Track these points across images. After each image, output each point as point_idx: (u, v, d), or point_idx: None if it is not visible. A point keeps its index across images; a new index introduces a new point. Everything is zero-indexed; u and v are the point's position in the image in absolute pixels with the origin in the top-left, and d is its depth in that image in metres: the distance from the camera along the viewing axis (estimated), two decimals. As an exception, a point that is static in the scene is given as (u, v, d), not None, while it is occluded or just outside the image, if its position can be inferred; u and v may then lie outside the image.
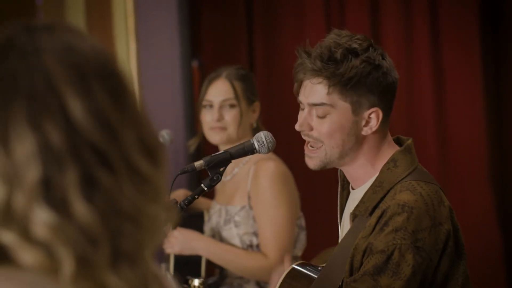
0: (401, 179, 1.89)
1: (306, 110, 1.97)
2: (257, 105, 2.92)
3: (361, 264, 1.83)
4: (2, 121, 0.84)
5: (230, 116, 2.86)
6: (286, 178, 2.84)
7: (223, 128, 2.87)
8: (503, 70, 4.10)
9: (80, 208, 0.83)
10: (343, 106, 1.92)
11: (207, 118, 2.89)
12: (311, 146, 1.98)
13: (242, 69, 2.96)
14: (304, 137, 1.99)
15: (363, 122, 1.93)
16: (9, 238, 0.83)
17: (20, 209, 0.82)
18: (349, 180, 2.01)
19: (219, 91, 2.88)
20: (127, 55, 3.81)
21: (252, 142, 2.06)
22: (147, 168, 0.88)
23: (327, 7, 4.10)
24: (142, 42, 3.89)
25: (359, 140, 1.94)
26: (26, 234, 0.82)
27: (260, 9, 4.17)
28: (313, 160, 1.98)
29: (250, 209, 2.83)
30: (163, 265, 2.89)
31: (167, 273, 2.90)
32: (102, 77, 0.88)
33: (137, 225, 0.86)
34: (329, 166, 1.98)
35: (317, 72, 1.91)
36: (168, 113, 3.99)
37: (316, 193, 3.89)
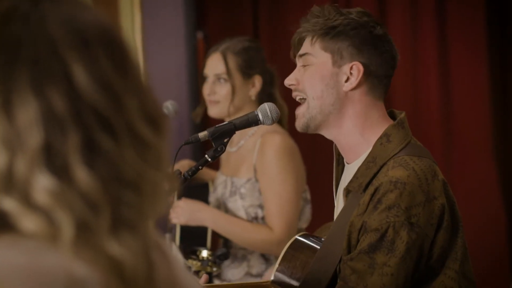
0: (394, 154, 1.88)
1: (297, 67, 2.00)
2: (257, 79, 2.91)
3: (358, 241, 1.83)
4: (5, 87, 0.84)
5: (222, 90, 2.87)
6: (292, 152, 2.84)
7: (216, 102, 2.88)
8: (509, 48, 4.09)
9: (81, 174, 0.83)
10: (323, 56, 1.95)
11: (205, 91, 2.92)
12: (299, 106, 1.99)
13: (247, 41, 2.95)
14: (293, 95, 2.00)
15: (344, 77, 1.94)
16: (10, 204, 0.83)
17: (22, 175, 0.82)
18: (342, 153, 2.00)
19: (212, 65, 2.89)
20: (132, 27, 3.80)
21: (256, 113, 2.05)
22: (149, 135, 0.88)
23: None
24: (147, 13, 3.87)
25: (341, 98, 1.93)
26: (27, 200, 0.82)
27: (265, -20, 4.15)
28: (298, 119, 1.99)
29: (256, 182, 2.84)
30: (168, 235, 2.91)
31: (172, 243, 2.92)
32: (105, 44, 0.88)
33: (138, 192, 0.86)
34: (313, 124, 1.96)
35: (305, 28, 1.98)
36: (172, 84, 3.99)
37: (321, 166, 3.88)
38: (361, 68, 1.92)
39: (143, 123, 0.88)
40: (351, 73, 1.93)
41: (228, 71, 2.86)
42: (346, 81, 1.93)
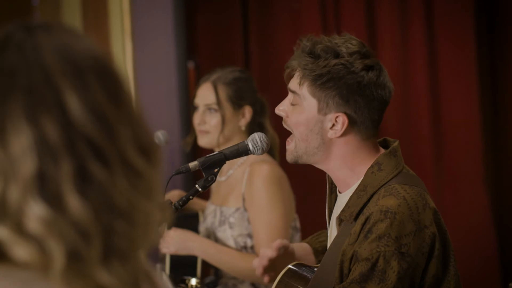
0: (385, 183, 1.88)
1: (288, 96, 1.98)
2: (247, 109, 2.92)
3: (350, 270, 1.83)
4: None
5: (212, 120, 2.88)
6: (281, 181, 2.84)
7: (206, 132, 2.89)
8: (498, 66, 4.10)
9: (74, 202, 0.83)
10: (310, 100, 1.91)
11: (195, 120, 2.93)
12: (289, 138, 1.98)
13: (238, 71, 2.96)
14: (283, 125, 1.99)
15: (329, 125, 1.91)
16: (3, 232, 0.83)
17: (15, 203, 0.83)
18: (335, 183, 2.00)
19: (203, 95, 2.90)
20: (123, 56, 3.81)
21: (246, 143, 2.05)
22: (142, 165, 0.88)
23: (322, 6, 4.11)
24: (138, 42, 3.89)
25: (326, 142, 1.92)
26: (19, 229, 0.83)
27: (255, 9, 4.17)
28: (287, 153, 1.99)
29: (245, 211, 2.84)
30: (159, 265, 2.90)
31: (163, 273, 2.91)
32: (99, 74, 0.89)
33: (130, 221, 0.86)
34: (301, 161, 1.96)
35: (296, 62, 1.93)
36: (163, 114, 3.99)
37: (311, 194, 3.89)
38: (346, 119, 1.89)
39: (136, 152, 0.88)
40: (336, 121, 1.90)
41: (219, 102, 2.87)
42: (331, 127, 1.91)
